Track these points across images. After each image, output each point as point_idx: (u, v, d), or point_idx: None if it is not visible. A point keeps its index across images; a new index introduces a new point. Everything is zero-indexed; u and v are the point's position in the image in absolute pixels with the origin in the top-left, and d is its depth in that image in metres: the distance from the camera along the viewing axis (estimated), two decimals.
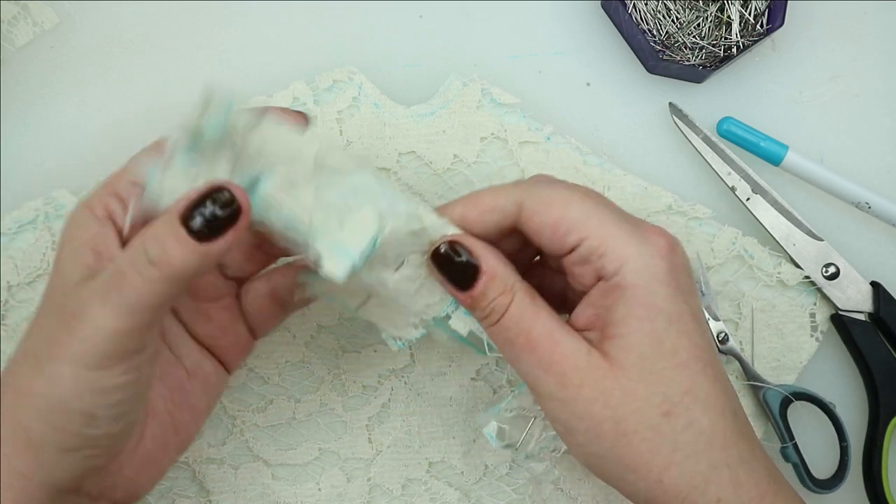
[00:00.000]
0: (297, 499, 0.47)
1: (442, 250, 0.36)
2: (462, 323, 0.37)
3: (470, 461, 0.47)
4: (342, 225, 0.34)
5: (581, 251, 0.35)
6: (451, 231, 0.36)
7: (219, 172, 0.34)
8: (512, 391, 0.40)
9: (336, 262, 0.33)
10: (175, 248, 0.31)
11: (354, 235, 0.34)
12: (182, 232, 0.31)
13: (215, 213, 0.31)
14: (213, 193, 0.32)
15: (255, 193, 0.33)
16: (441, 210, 0.37)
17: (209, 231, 0.31)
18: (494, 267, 0.35)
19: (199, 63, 0.50)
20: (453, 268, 0.36)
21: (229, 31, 0.50)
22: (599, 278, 0.35)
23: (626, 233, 0.34)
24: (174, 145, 0.33)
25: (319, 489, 0.47)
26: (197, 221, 0.31)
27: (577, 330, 0.36)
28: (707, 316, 0.47)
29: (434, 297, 0.37)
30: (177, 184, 0.33)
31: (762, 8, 0.48)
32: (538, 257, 0.41)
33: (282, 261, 0.41)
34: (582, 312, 0.36)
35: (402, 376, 0.47)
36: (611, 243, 0.34)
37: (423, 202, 0.36)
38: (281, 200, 0.33)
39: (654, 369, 0.34)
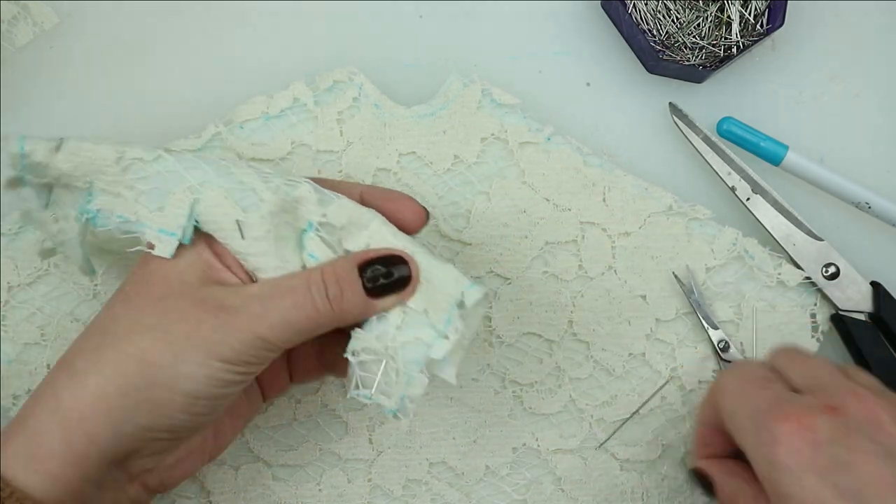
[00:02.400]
0: (298, 499, 0.47)
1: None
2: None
3: (470, 462, 0.47)
4: (162, 209, 0.37)
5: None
6: (332, 207, 0.37)
7: (65, 199, 0.38)
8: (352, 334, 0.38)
9: (164, 245, 0.37)
10: (350, 294, 0.36)
11: (173, 215, 0.37)
12: (359, 282, 0.36)
13: (390, 277, 0.36)
14: (393, 259, 0.36)
15: (88, 209, 0.37)
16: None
17: (380, 289, 0.36)
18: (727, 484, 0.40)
19: (199, 63, 0.50)
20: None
21: (229, 31, 0.50)
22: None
23: (752, 431, 0.37)
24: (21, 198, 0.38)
25: (320, 490, 0.47)
26: (372, 278, 0.36)
27: None
28: (706, 325, 0.47)
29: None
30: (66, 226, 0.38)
31: (762, 8, 0.48)
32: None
33: None
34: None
35: None
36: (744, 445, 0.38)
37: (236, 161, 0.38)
38: (111, 207, 0.37)
39: None
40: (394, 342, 0.37)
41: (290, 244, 0.38)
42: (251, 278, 0.37)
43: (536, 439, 0.47)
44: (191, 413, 0.35)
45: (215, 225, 0.37)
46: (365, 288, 0.36)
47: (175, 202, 0.37)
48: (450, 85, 0.48)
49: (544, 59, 0.50)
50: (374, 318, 0.37)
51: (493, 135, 0.48)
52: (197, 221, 0.37)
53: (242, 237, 0.37)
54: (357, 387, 0.38)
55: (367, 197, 0.40)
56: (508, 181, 0.48)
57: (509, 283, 0.47)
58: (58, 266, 0.46)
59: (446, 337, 0.36)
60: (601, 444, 0.47)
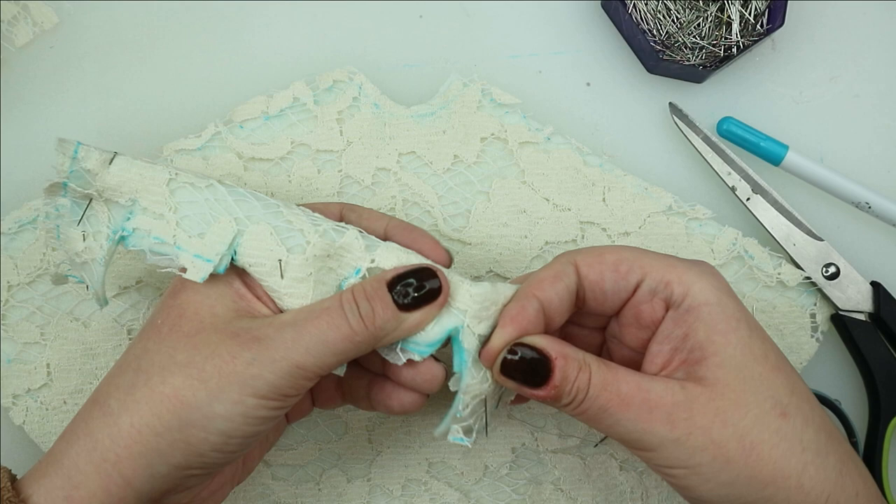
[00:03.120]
0: (297, 499, 0.47)
1: (509, 357, 0.35)
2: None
3: (470, 462, 0.47)
4: (203, 236, 0.37)
5: (647, 284, 0.36)
6: (378, 251, 0.37)
7: (100, 217, 0.37)
8: (455, 391, 0.38)
9: (196, 269, 0.36)
10: (381, 310, 0.35)
11: (213, 242, 0.36)
12: (389, 298, 0.36)
13: (420, 290, 0.36)
14: (422, 273, 0.36)
15: (125, 226, 0.37)
16: (516, 302, 0.36)
17: (411, 303, 0.36)
18: (561, 349, 0.35)
19: (199, 63, 0.50)
20: (525, 370, 0.35)
21: (229, 31, 0.50)
22: (667, 309, 0.36)
23: (678, 262, 0.36)
24: (54, 204, 0.37)
25: (319, 489, 0.47)
26: (402, 293, 0.36)
27: (656, 373, 0.36)
28: None
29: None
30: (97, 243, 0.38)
31: (762, 8, 0.48)
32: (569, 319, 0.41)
33: None
34: (657, 353, 0.36)
35: None
36: (673, 272, 0.35)
37: (309, 215, 0.38)
38: (149, 227, 0.37)
39: (754, 376, 0.34)
40: (486, 381, 0.37)
41: (328, 290, 0.37)
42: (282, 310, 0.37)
43: (536, 439, 0.47)
44: (224, 451, 0.35)
45: (254, 260, 0.36)
46: (395, 303, 0.36)
47: (218, 230, 0.37)
48: (450, 85, 0.48)
49: (544, 59, 0.50)
50: (464, 366, 0.36)
51: (493, 135, 0.48)
52: (234, 254, 0.37)
53: (282, 276, 0.36)
54: (469, 434, 0.37)
55: (390, 232, 0.39)
56: (508, 181, 0.48)
57: None
58: (57, 266, 0.46)
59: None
60: (598, 443, 0.47)
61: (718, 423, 0.33)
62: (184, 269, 0.36)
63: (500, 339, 0.35)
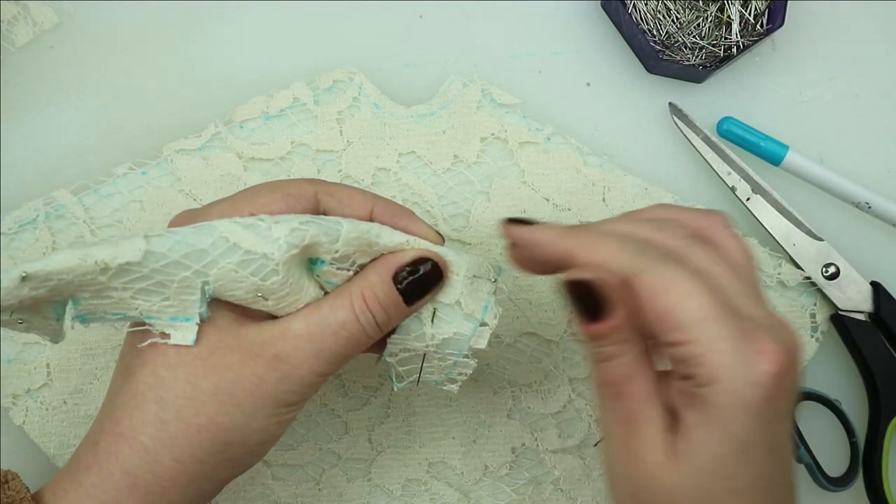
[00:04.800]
0: (297, 499, 0.47)
1: (582, 285, 0.32)
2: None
3: (469, 461, 0.47)
4: (167, 300, 0.34)
5: (679, 351, 0.31)
6: (276, 229, 0.34)
7: (37, 314, 0.33)
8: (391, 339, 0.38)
9: (182, 333, 0.34)
10: (394, 312, 0.36)
11: (183, 302, 0.34)
12: (400, 299, 0.36)
13: (423, 280, 0.36)
14: (421, 262, 0.36)
15: (76, 314, 0.34)
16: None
17: (416, 295, 0.36)
18: (622, 319, 0.32)
19: (199, 63, 0.50)
20: (590, 299, 0.32)
21: (229, 31, 0.50)
22: (689, 377, 0.32)
23: (734, 348, 0.30)
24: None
25: (319, 489, 0.47)
26: (406, 285, 0.36)
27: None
28: None
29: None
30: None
31: (762, 8, 0.48)
32: None
33: None
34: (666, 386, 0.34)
35: None
36: (713, 357, 0.30)
37: (216, 223, 0.34)
38: (104, 309, 0.34)
39: (704, 485, 0.32)
40: (432, 340, 0.37)
41: (305, 279, 0.36)
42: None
43: (536, 439, 0.47)
44: (259, 455, 0.36)
45: (233, 296, 0.35)
46: (404, 301, 0.36)
47: (182, 290, 0.34)
48: (450, 85, 0.48)
49: (544, 59, 0.50)
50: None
51: (493, 135, 0.48)
52: (208, 297, 0.34)
53: (266, 300, 0.35)
54: (401, 380, 0.39)
55: (377, 219, 0.37)
56: (508, 181, 0.48)
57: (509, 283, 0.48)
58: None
59: (485, 324, 0.37)
60: (598, 443, 0.47)
61: (645, 483, 0.32)
62: (166, 336, 0.34)
63: (581, 274, 0.32)
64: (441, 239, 0.39)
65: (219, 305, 0.35)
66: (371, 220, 0.37)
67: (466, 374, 0.39)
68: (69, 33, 0.50)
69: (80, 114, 0.49)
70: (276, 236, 0.33)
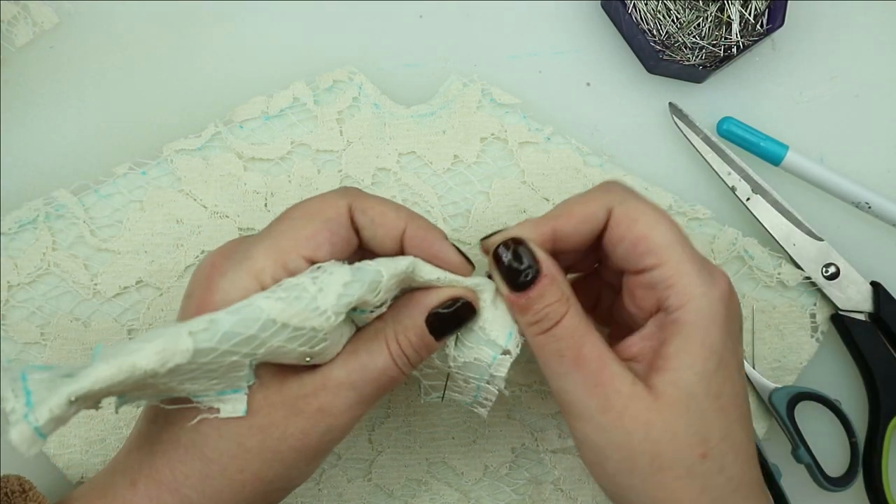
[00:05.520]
0: (297, 499, 0.47)
1: (504, 252, 0.35)
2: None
3: (470, 462, 0.47)
4: (217, 381, 0.33)
5: (652, 275, 0.35)
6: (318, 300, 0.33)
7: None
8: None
9: (233, 405, 0.34)
10: (426, 353, 0.36)
11: (231, 379, 0.33)
12: (432, 339, 0.36)
13: (455, 316, 0.36)
14: (455, 301, 0.36)
15: (120, 400, 0.33)
16: (535, 224, 0.37)
17: (448, 330, 0.36)
18: (554, 273, 0.35)
19: (199, 63, 0.50)
20: (512, 267, 0.35)
21: (229, 31, 0.50)
22: (659, 309, 0.35)
23: (696, 270, 0.34)
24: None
25: (319, 489, 0.47)
26: (438, 324, 0.36)
27: (624, 360, 0.36)
28: None
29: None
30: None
31: (762, 8, 0.48)
32: (595, 266, 0.41)
33: None
34: (634, 343, 0.36)
35: None
36: (682, 278, 0.34)
37: (258, 299, 0.33)
38: (149, 396, 0.33)
39: (696, 409, 0.34)
40: (454, 362, 0.37)
41: (345, 327, 0.36)
42: None
43: (535, 439, 0.47)
44: (293, 490, 0.37)
45: (278, 361, 0.34)
46: (435, 339, 0.36)
47: (230, 369, 0.33)
48: (450, 85, 0.48)
49: (544, 59, 0.50)
50: None
51: (492, 135, 0.48)
52: (253, 364, 0.34)
53: (311, 359, 0.35)
54: (427, 394, 0.39)
55: (408, 242, 0.36)
56: (508, 181, 0.48)
57: None
58: (58, 265, 0.46)
59: (507, 353, 0.37)
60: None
61: (642, 434, 0.34)
62: (215, 411, 0.34)
63: (504, 235, 0.36)
64: (471, 267, 0.38)
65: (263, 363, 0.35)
66: (403, 238, 0.36)
67: (491, 400, 0.38)
68: (69, 33, 0.50)
69: (80, 114, 0.49)
70: (322, 309, 0.32)
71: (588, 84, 0.50)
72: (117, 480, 0.35)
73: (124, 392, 0.31)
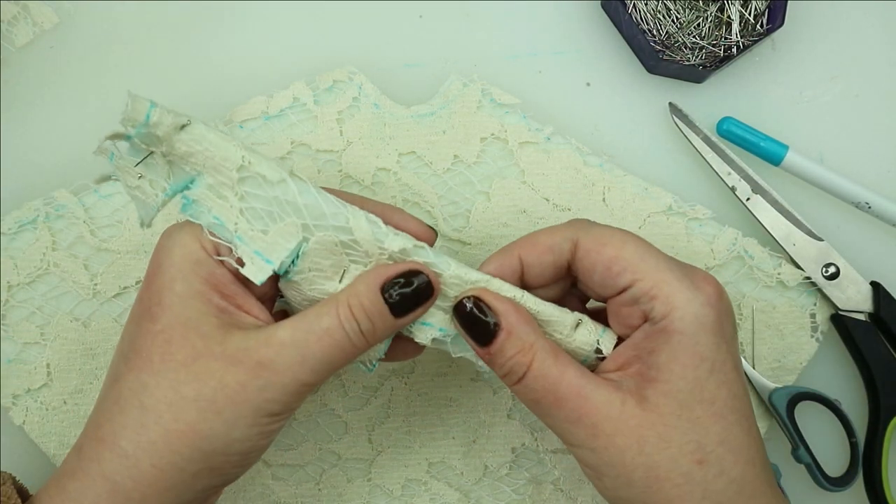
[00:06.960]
0: (297, 499, 0.47)
1: (466, 307, 0.36)
2: (423, 334, 0.38)
3: (470, 462, 0.47)
4: (266, 233, 0.35)
5: (632, 292, 0.35)
6: (391, 240, 0.36)
7: (159, 170, 0.35)
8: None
9: (256, 269, 0.35)
10: (380, 324, 0.36)
11: (276, 245, 0.35)
12: (386, 310, 0.35)
13: (415, 293, 0.36)
14: (411, 276, 0.36)
15: (185, 194, 0.35)
16: (501, 254, 0.37)
17: (406, 307, 0.36)
18: (513, 324, 0.35)
19: (199, 63, 0.50)
20: (474, 323, 0.36)
21: (229, 31, 0.50)
22: (646, 320, 0.35)
23: (677, 279, 0.35)
24: (112, 148, 0.35)
25: (319, 489, 0.47)
26: (395, 298, 0.35)
27: (612, 370, 0.36)
28: None
29: None
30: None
31: (762, 8, 0.48)
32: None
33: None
34: (620, 354, 0.36)
35: (403, 377, 0.47)
36: (663, 288, 0.34)
37: (357, 210, 0.36)
38: (210, 203, 0.35)
39: (690, 417, 0.34)
40: (455, 355, 0.38)
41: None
42: (268, 316, 0.37)
43: (535, 439, 0.47)
44: (244, 465, 0.36)
45: (311, 271, 0.36)
46: (392, 313, 0.36)
47: (283, 232, 0.35)
48: (450, 85, 0.48)
49: (544, 59, 0.50)
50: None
51: (492, 135, 0.48)
52: (293, 263, 0.36)
53: (339, 282, 0.36)
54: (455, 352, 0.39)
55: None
56: (508, 181, 0.48)
57: None
58: (58, 265, 0.46)
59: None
60: None
61: (635, 448, 0.34)
62: (241, 262, 0.35)
63: (465, 292, 0.37)
64: (434, 234, 0.39)
65: (205, 312, 0.35)
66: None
67: (481, 368, 0.39)
68: (69, 33, 0.50)
69: (80, 114, 0.49)
70: (387, 244, 0.35)
71: (588, 84, 0.50)
72: (70, 453, 0.36)
73: (206, 171, 0.35)
